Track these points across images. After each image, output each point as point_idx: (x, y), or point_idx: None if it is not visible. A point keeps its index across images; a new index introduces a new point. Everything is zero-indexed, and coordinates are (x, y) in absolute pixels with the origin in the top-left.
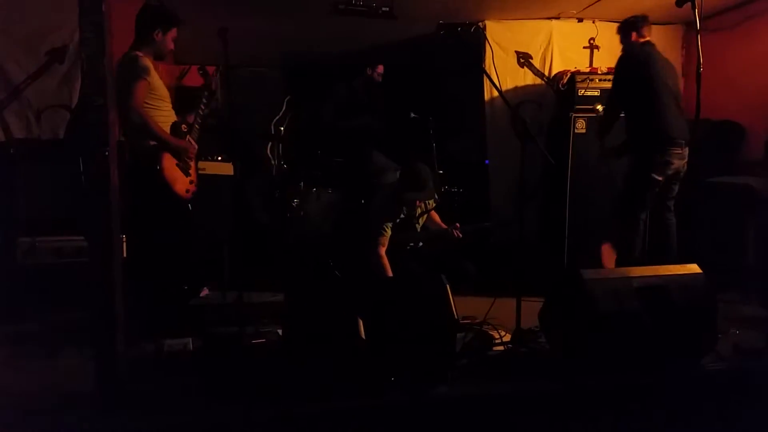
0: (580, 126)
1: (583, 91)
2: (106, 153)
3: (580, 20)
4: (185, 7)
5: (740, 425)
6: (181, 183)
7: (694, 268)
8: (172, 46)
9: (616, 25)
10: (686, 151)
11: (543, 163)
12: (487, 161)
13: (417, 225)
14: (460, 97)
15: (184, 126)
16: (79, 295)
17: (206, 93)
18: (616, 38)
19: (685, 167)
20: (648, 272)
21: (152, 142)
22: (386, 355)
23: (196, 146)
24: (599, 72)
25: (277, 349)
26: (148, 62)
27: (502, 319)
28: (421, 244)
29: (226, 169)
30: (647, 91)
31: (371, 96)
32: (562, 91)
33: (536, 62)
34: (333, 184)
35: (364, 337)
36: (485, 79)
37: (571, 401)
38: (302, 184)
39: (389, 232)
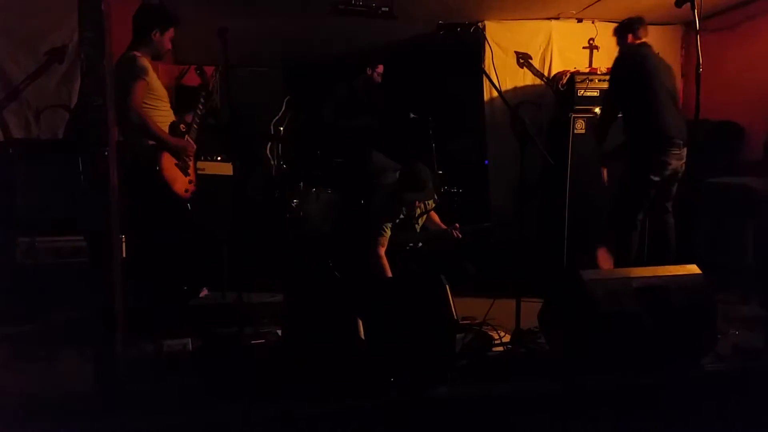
0: (580, 126)
1: (582, 91)
2: (106, 153)
3: (580, 20)
4: (185, 7)
5: (740, 425)
6: (180, 183)
7: (693, 268)
8: (169, 46)
9: (615, 25)
10: (684, 151)
11: (542, 163)
12: (486, 161)
13: (416, 225)
14: (460, 97)
15: (182, 126)
16: (79, 296)
17: (203, 93)
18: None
19: (683, 168)
20: (648, 273)
21: (151, 142)
22: (386, 356)
23: (195, 146)
24: (599, 72)
25: (276, 349)
26: (146, 62)
27: (501, 320)
28: (420, 244)
29: (226, 169)
30: (644, 92)
31: (371, 96)
32: (561, 91)
33: (536, 62)
34: (332, 185)
35: (363, 337)
36: (485, 79)
37: (571, 402)
38: (302, 184)
39: (389, 232)
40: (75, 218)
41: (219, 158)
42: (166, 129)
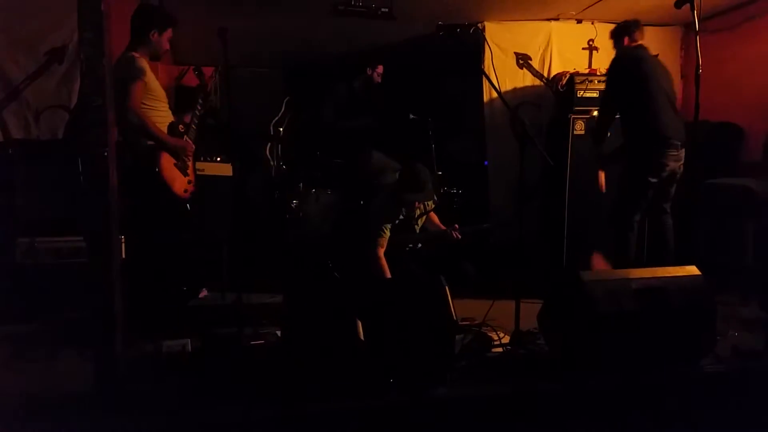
0: (579, 127)
1: (582, 92)
2: (105, 153)
3: (579, 21)
4: (185, 7)
5: (739, 426)
6: (180, 183)
7: (693, 269)
8: (167, 46)
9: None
10: (682, 152)
11: (542, 164)
12: (486, 162)
13: (416, 226)
14: (460, 98)
15: (181, 126)
16: (78, 296)
17: (202, 94)
18: None
19: (681, 169)
20: (647, 274)
21: (150, 142)
22: (385, 357)
23: (194, 146)
24: (598, 73)
25: (276, 350)
26: (144, 63)
27: (501, 321)
28: (420, 245)
29: (225, 169)
30: (641, 93)
31: (371, 96)
32: (561, 92)
33: (535, 63)
34: (332, 185)
35: (363, 338)
36: (484, 80)
37: (570, 403)
38: (301, 184)
39: (388, 233)
40: (75, 219)
41: (219, 159)
42: (164, 129)
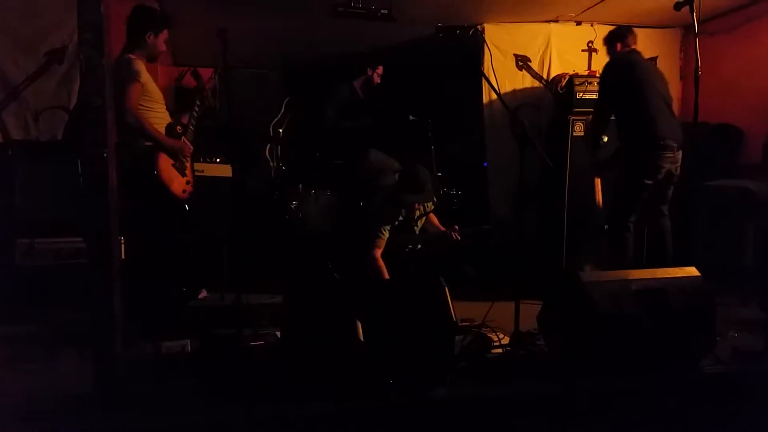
0: (579, 129)
1: (581, 94)
2: (105, 154)
3: (579, 23)
4: (185, 8)
5: (739, 428)
6: (178, 183)
7: (692, 271)
8: (164, 47)
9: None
10: (679, 154)
11: (541, 165)
12: (485, 164)
13: (416, 227)
14: (459, 99)
15: (178, 127)
16: (78, 297)
17: (199, 95)
18: None
19: (678, 170)
20: (646, 275)
21: (148, 143)
22: (385, 358)
23: (192, 147)
24: (597, 75)
25: (275, 350)
26: (140, 65)
27: (500, 322)
28: (419, 246)
29: (225, 170)
30: (636, 96)
31: (371, 97)
32: (560, 94)
33: (535, 65)
34: (332, 186)
35: (362, 339)
36: (484, 81)
37: (570, 404)
38: (301, 185)
39: (386, 235)
40: (74, 219)
41: (218, 160)
42: (162, 130)
